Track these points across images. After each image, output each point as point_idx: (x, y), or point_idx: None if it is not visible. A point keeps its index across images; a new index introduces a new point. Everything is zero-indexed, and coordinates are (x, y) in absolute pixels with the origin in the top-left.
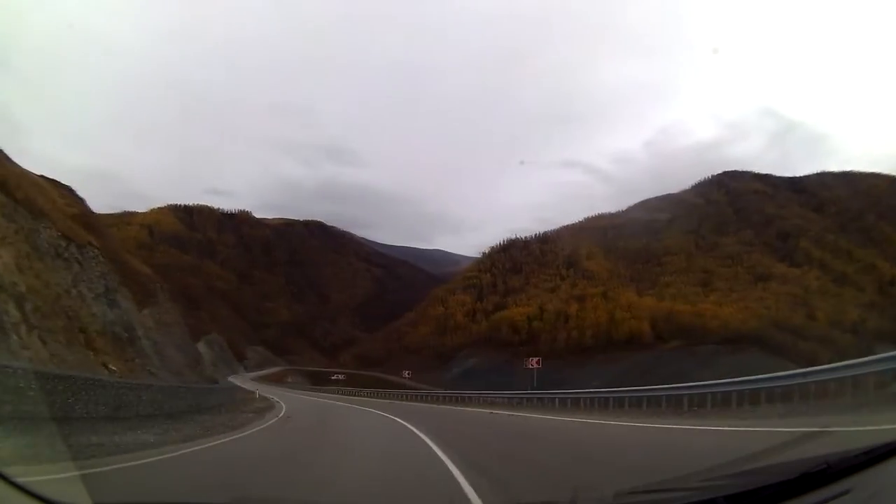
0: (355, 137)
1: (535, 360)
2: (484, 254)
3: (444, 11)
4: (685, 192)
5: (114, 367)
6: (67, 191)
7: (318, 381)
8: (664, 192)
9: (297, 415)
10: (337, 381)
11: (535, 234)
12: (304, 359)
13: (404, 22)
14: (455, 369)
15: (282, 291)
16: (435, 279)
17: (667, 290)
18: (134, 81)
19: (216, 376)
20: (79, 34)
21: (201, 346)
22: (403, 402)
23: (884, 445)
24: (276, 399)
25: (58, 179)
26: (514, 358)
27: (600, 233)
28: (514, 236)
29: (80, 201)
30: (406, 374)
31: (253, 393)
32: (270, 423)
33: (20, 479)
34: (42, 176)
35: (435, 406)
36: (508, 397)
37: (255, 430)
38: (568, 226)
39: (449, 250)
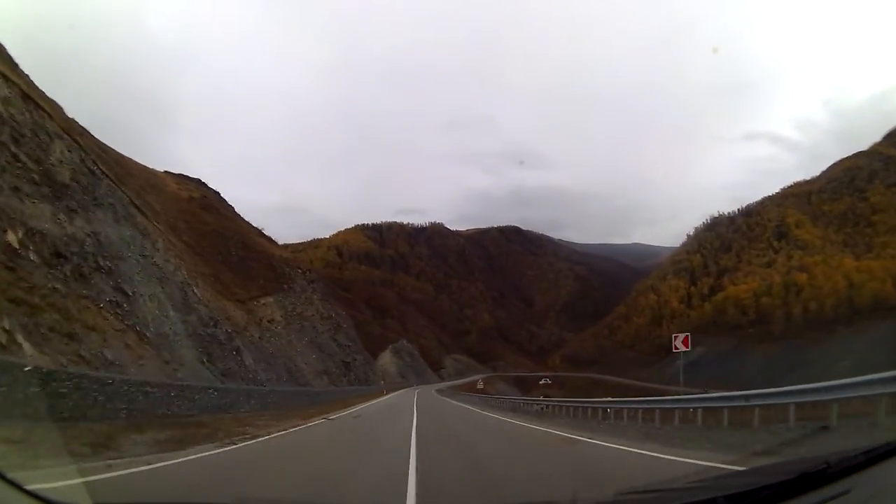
0: (538, 140)
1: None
2: (689, 235)
3: None
4: (877, 145)
5: None
6: (196, 183)
7: (525, 386)
8: (854, 151)
9: None
10: (546, 387)
11: (739, 209)
12: (509, 364)
13: (567, 17)
14: (677, 361)
15: (482, 298)
16: (638, 273)
17: (885, 250)
18: (312, 119)
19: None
20: (248, 88)
21: (386, 355)
22: None
23: (884, 445)
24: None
25: (186, 174)
26: (743, 343)
27: (802, 200)
28: (716, 214)
29: (210, 191)
30: None
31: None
32: None
33: (20, 480)
34: (166, 171)
35: None
36: None
37: None
38: (769, 197)
39: (648, 243)
